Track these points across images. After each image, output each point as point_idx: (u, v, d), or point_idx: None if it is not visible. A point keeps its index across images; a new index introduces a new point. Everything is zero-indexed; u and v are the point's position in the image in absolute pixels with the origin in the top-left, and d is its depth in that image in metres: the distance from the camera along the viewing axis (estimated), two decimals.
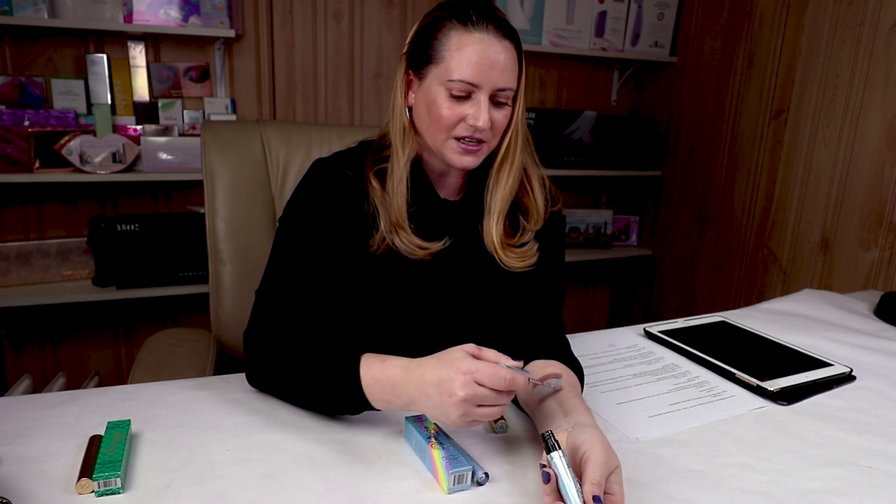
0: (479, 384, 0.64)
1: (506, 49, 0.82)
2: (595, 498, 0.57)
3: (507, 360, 0.67)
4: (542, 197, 0.95)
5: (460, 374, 0.65)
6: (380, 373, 0.71)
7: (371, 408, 0.73)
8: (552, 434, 0.62)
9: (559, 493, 0.59)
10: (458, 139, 0.84)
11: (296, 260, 0.87)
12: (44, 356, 2.07)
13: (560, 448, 0.60)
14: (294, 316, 0.83)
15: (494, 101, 0.84)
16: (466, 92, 0.82)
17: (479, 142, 0.85)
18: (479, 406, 0.65)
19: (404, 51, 0.88)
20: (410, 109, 0.89)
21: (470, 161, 0.86)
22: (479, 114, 0.82)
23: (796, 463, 0.74)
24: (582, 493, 0.58)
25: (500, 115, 0.85)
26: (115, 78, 1.97)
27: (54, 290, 1.88)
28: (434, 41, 0.83)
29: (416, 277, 0.92)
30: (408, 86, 0.89)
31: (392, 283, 0.91)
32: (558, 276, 0.97)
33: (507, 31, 0.83)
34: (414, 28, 0.88)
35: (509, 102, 0.85)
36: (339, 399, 0.74)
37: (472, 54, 0.80)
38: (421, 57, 0.85)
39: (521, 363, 0.68)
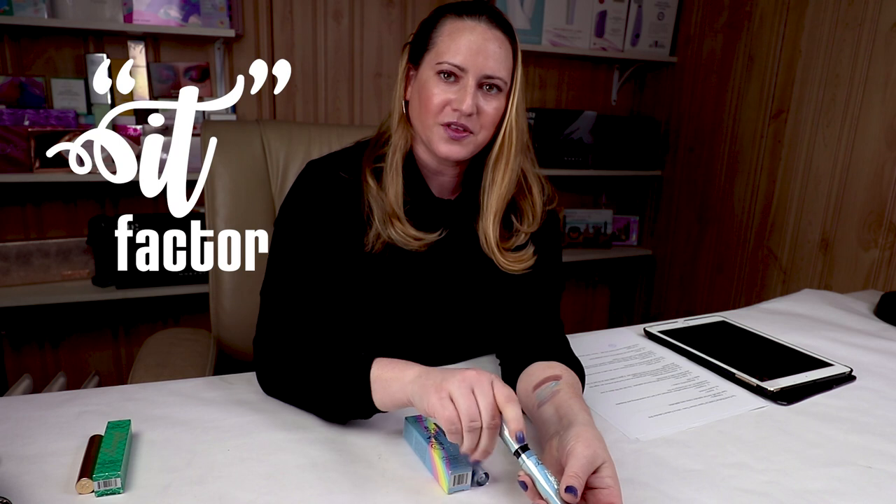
0: (492, 392, 0.62)
1: (497, 38, 0.84)
2: (568, 488, 0.56)
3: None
4: (540, 200, 0.95)
5: (485, 374, 0.64)
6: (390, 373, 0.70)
7: (376, 410, 0.72)
8: (509, 441, 0.62)
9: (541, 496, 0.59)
10: (445, 126, 0.84)
11: (295, 264, 0.87)
12: (44, 356, 2.07)
13: (527, 450, 0.61)
14: (300, 322, 0.83)
15: (483, 89, 0.84)
16: (454, 76, 0.83)
17: (465, 130, 0.85)
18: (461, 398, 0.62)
19: (406, 42, 0.91)
20: (407, 102, 0.91)
21: (456, 150, 0.86)
22: (463, 97, 0.82)
23: (796, 463, 0.74)
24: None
25: (490, 107, 0.85)
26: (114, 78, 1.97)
27: (54, 290, 1.88)
28: (432, 31, 0.86)
29: (412, 274, 0.92)
30: (407, 80, 0.91)
31: (389, 280, 0.91)
32: (555, 274, 0.97)
33: (500, 23, 0.85)
34: (419, 24, 0.90)
35: (500, 95, 0.86)
36: (350, 403, 0.73)
37: (460, 38, 0.83)
38: (419, 48, 0.88)
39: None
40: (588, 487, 0.60)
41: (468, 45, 0.82)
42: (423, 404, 0.64)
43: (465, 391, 0.62)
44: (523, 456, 0.61)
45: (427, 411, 0.64)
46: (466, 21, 0.83)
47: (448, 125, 0.84)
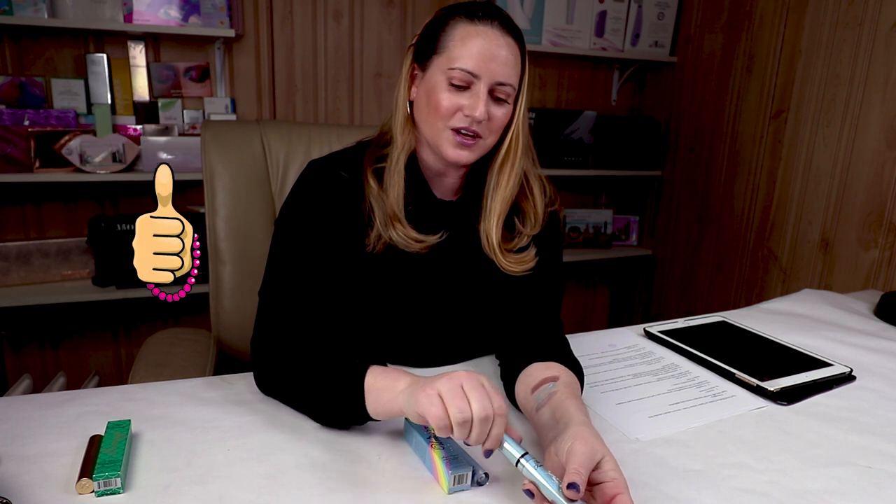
0: (482, 387, 0.63)
1: (508, 45, 0.83)
2: (570, 485, 0.57)
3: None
4: (542, 203, 0.95)
5: (475, 374, 0.64)
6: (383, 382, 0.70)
7: (369, 418, 0.72)
8: (509, 452, 0.62)
9: (548, 500, 0.59)
10: (454, 131, 0.84)
11: (296, 264, 0.87)
12: (44, 356, 2.07)
13: (524, 454, 0.61)
14: (298, 323, 0.83)
15: (494, 96, 0.84)
16: (466, 82, 0.83)
17: (476, 136, 0.85)
18: (462, 390, 0.62)
19: (412, 42, 0.90)
20: (412, 103, 0.90)
21: (465, 155, 0.86)
22: (476, 104, 0.82)
23: (796, 463, 0.74)
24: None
25: (499, 113, 0.85)
26: (115, 78, 1.97)
27: (54, 290, 1.88)
28: (441, 33, 0.85)
29: (413, 275, 0.91)
30: (412, 80, 0.90)
31: (389, 281, 0.91)
32: (556, 275, 0.97)
33: (511, 29, 0.84)
34: (424, 23, 0.89)
35: (509, 100, 0.86)
36: (344, 411, 0.73)
37: (474, 45, 0.82)
38: (426, 49, 0.86)
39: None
40: (593, 483, 0.60)
41: (481, 50, 0.82)
42: (413, 408, 0.64)
43: (453, 388, 0.62)
44: (522, 460, 0.61)
45: (417, 412, 0.64)
46: (479, 26, 0.82)
47: (458, 130, 0.84)
